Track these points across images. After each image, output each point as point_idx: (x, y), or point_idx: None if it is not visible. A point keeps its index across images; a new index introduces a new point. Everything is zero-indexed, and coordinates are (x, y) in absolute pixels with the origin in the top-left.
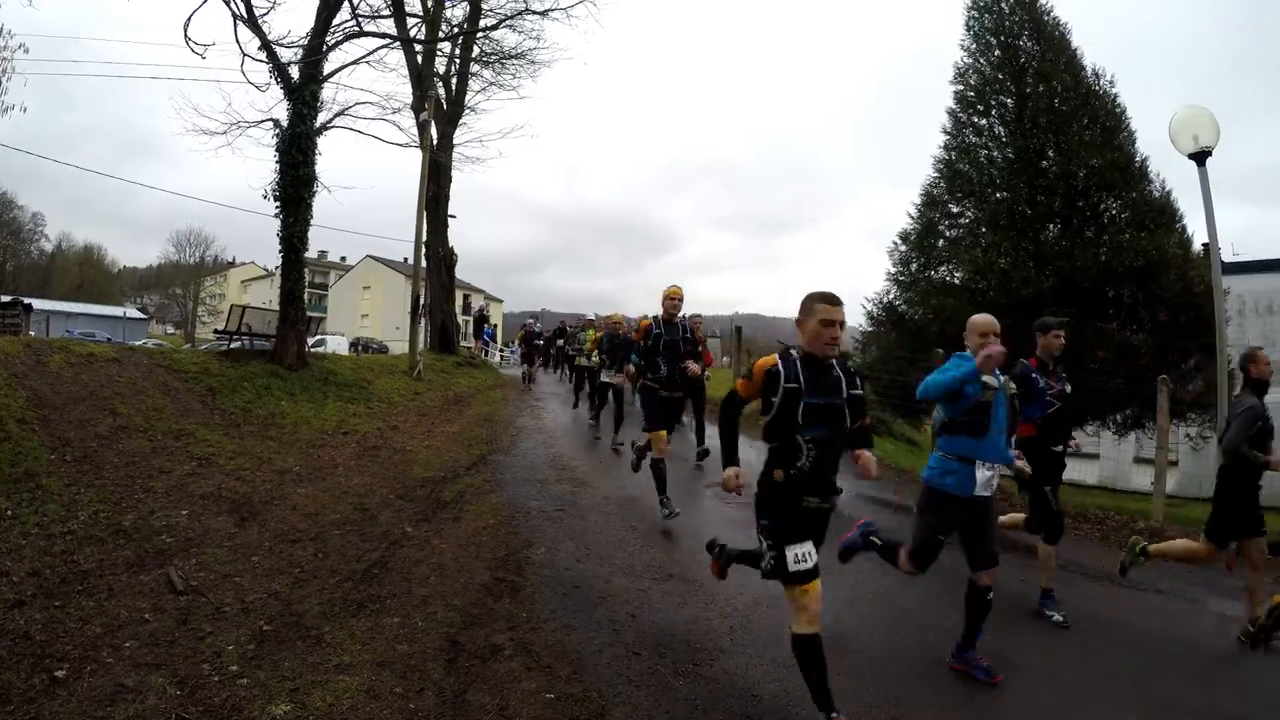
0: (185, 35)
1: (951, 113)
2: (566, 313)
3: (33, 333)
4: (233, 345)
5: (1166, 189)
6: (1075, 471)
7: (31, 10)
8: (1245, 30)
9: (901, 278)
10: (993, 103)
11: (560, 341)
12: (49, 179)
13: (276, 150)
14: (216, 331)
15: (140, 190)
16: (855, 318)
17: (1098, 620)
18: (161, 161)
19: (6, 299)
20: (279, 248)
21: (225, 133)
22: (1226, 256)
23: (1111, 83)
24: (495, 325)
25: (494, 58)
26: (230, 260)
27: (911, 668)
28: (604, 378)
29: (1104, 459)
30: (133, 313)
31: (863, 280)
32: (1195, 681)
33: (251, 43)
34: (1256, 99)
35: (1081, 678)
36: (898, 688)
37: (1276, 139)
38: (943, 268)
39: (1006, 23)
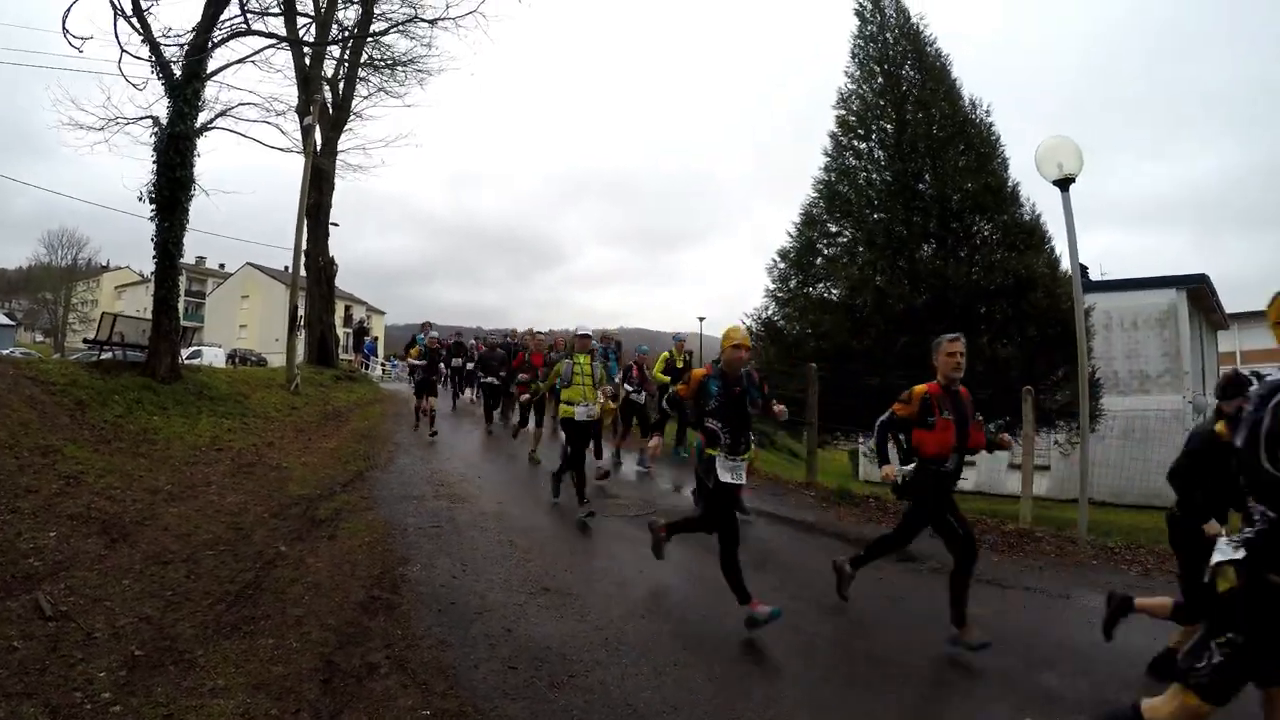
0: (64, 27)
1: (833, 136)
2: (450, 324)
3: None
4: (104, 356)
5: (1036, 212)
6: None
7: None
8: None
9: (780, 294)
10: (873, 128)
11: (459, 361)
12: None
13: (154, 150)
14: (87, 341)
15: (12, 187)
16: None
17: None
18: (36, 158)
19: None
20: (154, 253)
21: (103, 129)
22: (1094, 276)
23: (988, 112)
24: (377, 338)
25: (383, 63)
26: (104, 264)
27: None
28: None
29: (979, 466)
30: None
31: (751, 296)
32: (1063, 672)
33: (133, 38)
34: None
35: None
36: None
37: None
38: (820, 285)
39: (891, 52)
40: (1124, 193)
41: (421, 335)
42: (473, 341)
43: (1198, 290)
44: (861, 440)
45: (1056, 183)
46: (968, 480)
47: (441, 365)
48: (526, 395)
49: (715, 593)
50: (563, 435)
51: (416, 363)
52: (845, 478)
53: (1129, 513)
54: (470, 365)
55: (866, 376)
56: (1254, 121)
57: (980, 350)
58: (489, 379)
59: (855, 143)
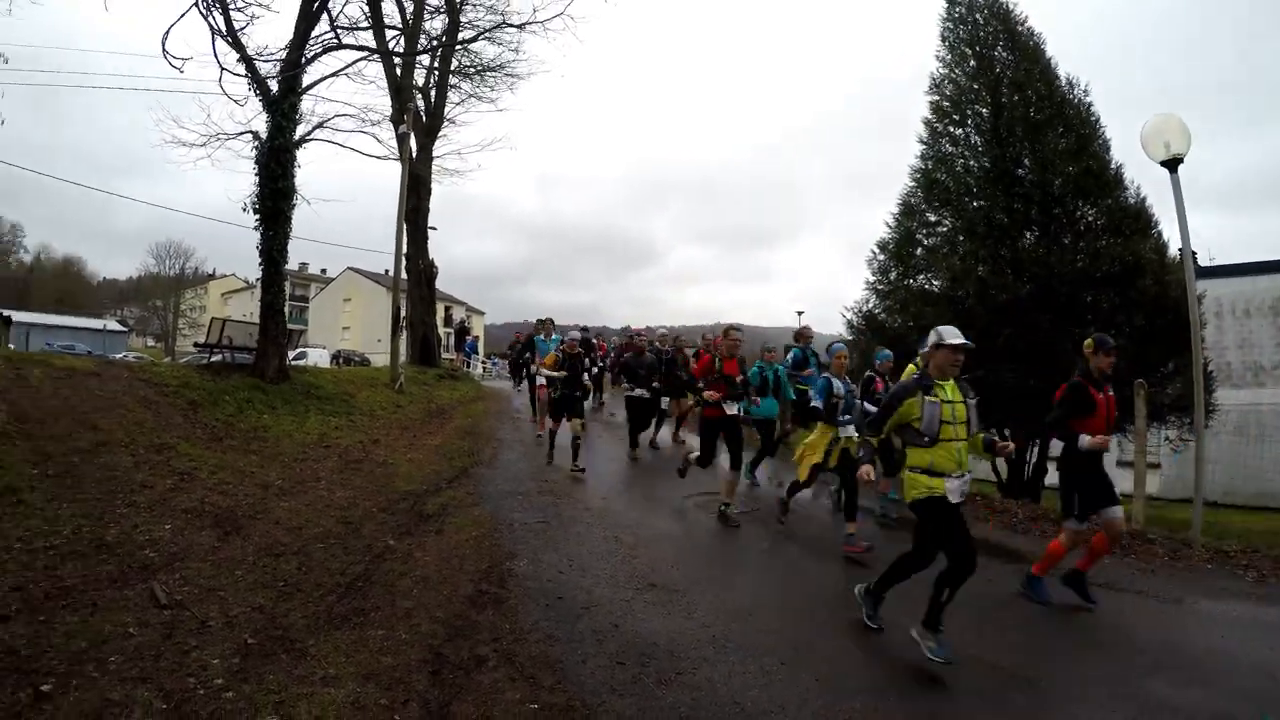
0: (164, 49)
1: (928, 123)
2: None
3: (12, 346)
4: (213, 358)
5: (1141, 195)
6: (1058, 476)
7: (11, 20)
8: (1222, 43)
9: (880, 286)
10: (968, 113)
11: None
12: (30, 192)
13: (256, 163)
14: (197, 345)
15: (122, 204)
16: (835, 327)
17: (1075, 621)
18: (144, 176)
19: None
20: (259, 261)
21: (204, 145)
22: (1203, 261)
23: (1086, 92)
24: (477, 337)
25: (473, 70)
26: (210, 273)
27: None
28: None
29: None
30: (113, 325)
31: (841, 290)
32: (1176, 680)
33: (230, 55)
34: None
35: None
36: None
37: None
38: (921, 276)
39: (981, 34)
40: (1223, 174)
41: (543, 337)
42: (594, 340)
43: None
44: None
45: (1164, 163)
46: None
47: (585, 376)
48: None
49: (825, 594)
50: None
51: (553, 373)
52: None
53: (1241, 513)
54: (598, 369)
55: (969, 370)
56: None
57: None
58: (638, 391)
59: (951, 129)
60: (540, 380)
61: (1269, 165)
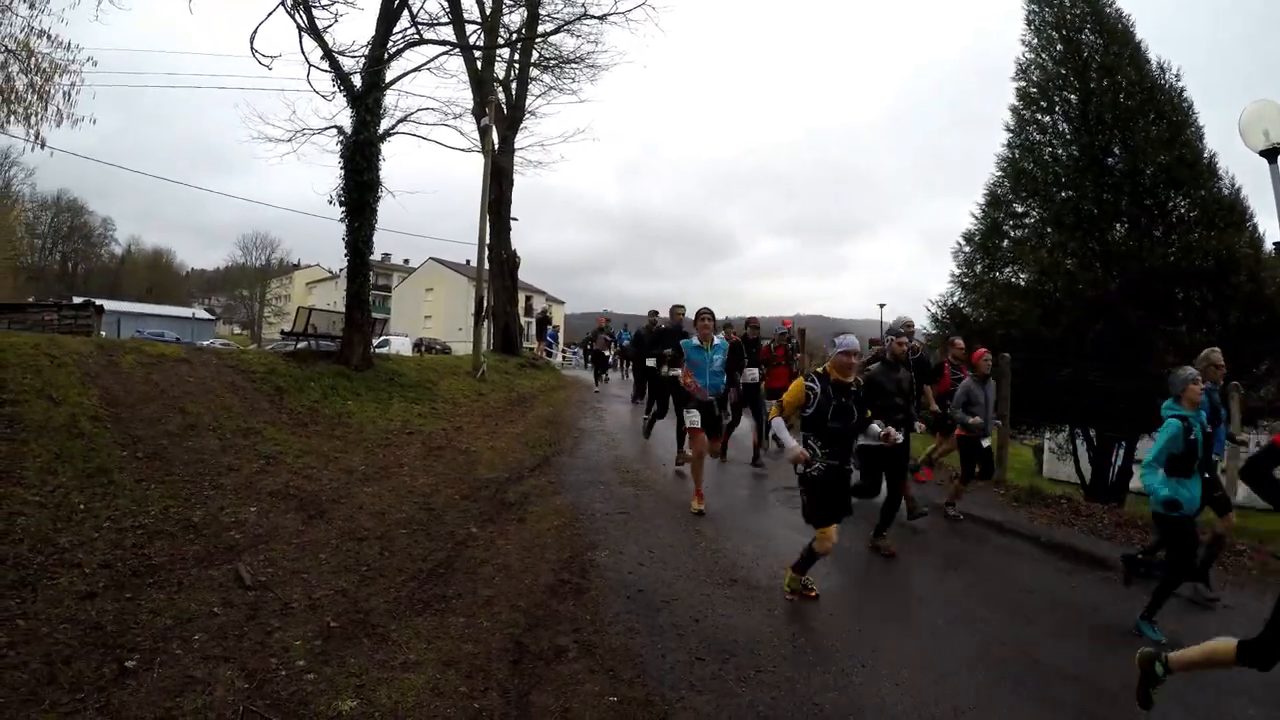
0: (252, 47)
1: (1014, 110)
2: (628, 314)
3: (104, 333)
4: (299, 346)
5: (1236, 186)
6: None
7: (100, 26)
8: None
9: (966, 279)
10: (1056, 99)
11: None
12: (123, 190)
13: (341, 157)
14: (283, 332)
15: (210, 199)
16: (919, 320)
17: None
18: (231, 172)
19: (78, 300)
20: (344, 252)
21: (290, 140)
22: None
23: (1178, 76)
24: (558, 327)
25: (553, 62)
26: (295, 263)
27: None
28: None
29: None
30: (201, 314)
31: (917, 283)
32: (1260, 700)
33: (315, 53)
34: None
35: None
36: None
37: None
38: (1008, 269)
39: (1068, 16)
40: None
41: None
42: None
43: None
44: (1047, 435)
45: (1263, 153)
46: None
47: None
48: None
49: (904, 594)
50: None
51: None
52: (1030, 474)
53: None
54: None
55: (1057, 367)
56: None
57: (1178, 339)
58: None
59: (1038, 116)
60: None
61: None
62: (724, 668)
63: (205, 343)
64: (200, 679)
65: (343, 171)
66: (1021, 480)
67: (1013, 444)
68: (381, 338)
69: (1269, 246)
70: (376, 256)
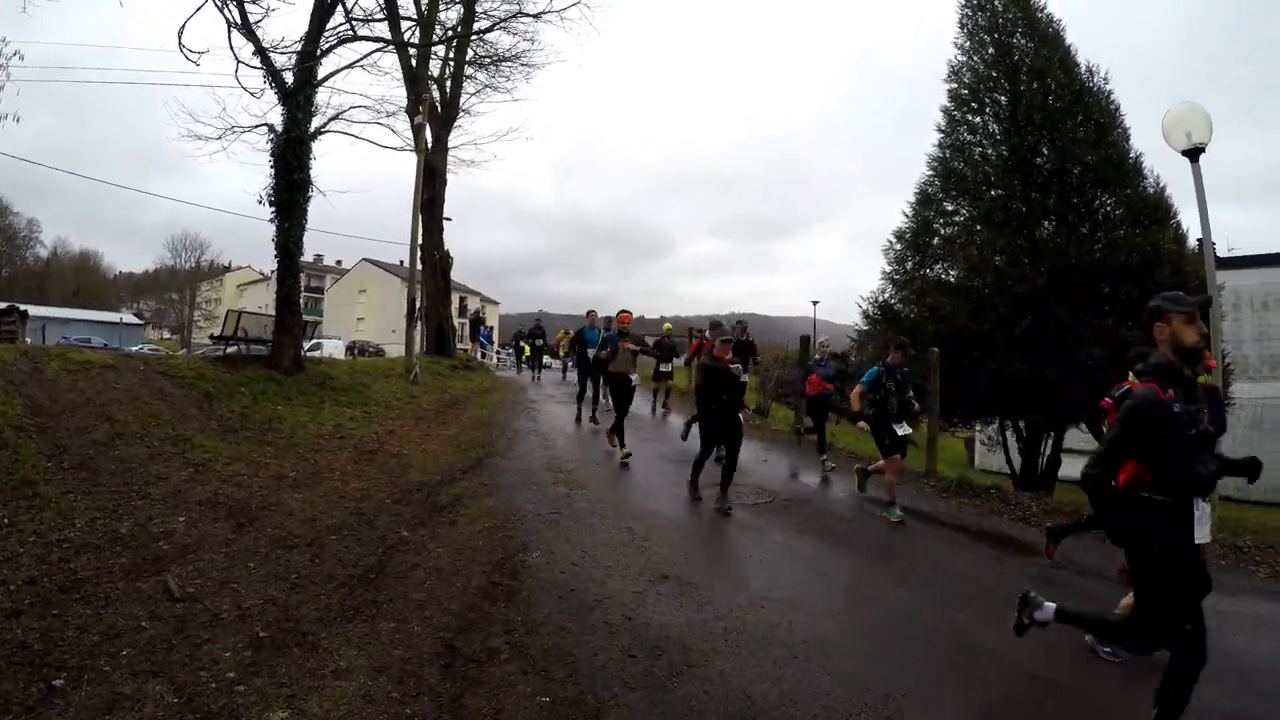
0: (179, 42)
1: (946, 110)
2: (563, 315)
3: (29, 339)
4: (229, 350)
5: (1161, 185)
6: (1072, 468)
7: (26, 18)
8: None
9: (897, 276)
10: (986, 100)
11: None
12: (55, 192)
13: (271, 155)
14: (212, 336)
15: (145, 201)
16: (852, 317)
17: None
18: (168, 174)
19: (2, 305)
20: (274, 253)
21: (220, 138)
22: (1221, 253)
23: (1105, 80)
24: (491, 327)
25: (488, 60)
26: (226, 265)
27: None
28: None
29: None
30: (129, 318)
31: (853, 280)
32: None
33: (245, 49)
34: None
35: (1078, 677)
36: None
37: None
38: (938, 265)
39: (1000, 20)
40: (1232, 168)
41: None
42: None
43: None
44: (978, 427)
45: (1185, 153)
46: None
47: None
48: None
49: (836, 585)
50: None
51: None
52: (962, 466)
53: (1256, 509)
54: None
55: (986, 361)
56: None
57: (1105, 333)
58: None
59: (969, 117)
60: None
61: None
62: (656, 664)
63: (134, 348)
64: (129, 695)
65: (273, 170)
66: (953, 472)
67: (944, 436)
68: (313, 341)
69: (1192, 243)
70: (308, 258)
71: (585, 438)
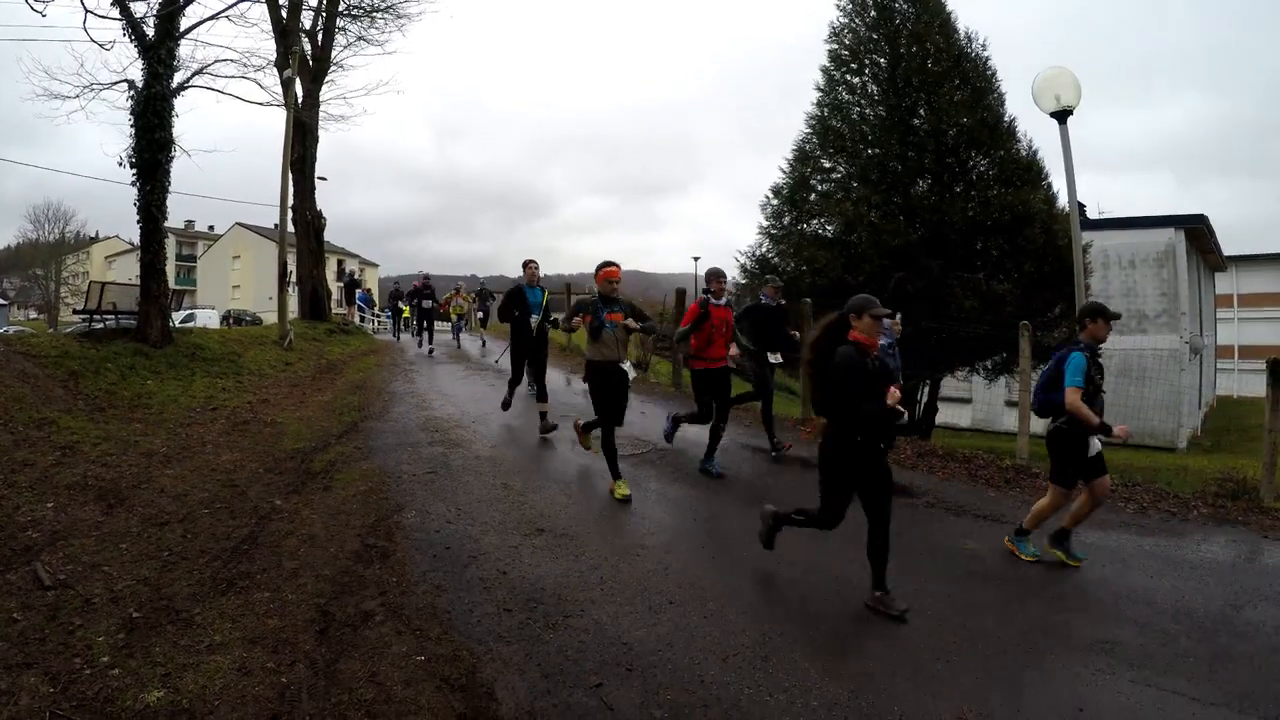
0: None
1: (825, 70)
2: (446, 275)
3: None
4: (95, 325)
5: (1034, 148)
6: (950, 415)
7: None
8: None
9: (774, 231)
10: (866, 62)
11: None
12: None
13: (131, 113)
14: (77, 312)
15: (5, 169)
16: (730, 271)
17: (962, 552)
18: (26, 140)
19: None
20: (137, 218)
21: (78, 96)
22: (1093, 214)
23: (984, 46)
24: (369, 290)
25: (360, 10)
26: (93, 236)
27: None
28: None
29: (976, 403)
30: None
31: (733, 238)
32: (1059, 607)
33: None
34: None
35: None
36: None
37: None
38: (815, 221)
39: None
40: (1105, 142)
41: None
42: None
43: (1196, 230)
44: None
45: (1054, 114)
46: (965, 417)
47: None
48: None
49: (710, 530)
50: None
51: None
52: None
53: (1125, 451)
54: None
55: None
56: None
57: (976, 286)
58: None
59: (848, 77)
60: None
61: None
62: (531, 616)
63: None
64: (4, 689)
65: (133, 130)
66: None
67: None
68: (186, 312)
69: (1061, 203)
70: (178, 223)
71: (463, 396)
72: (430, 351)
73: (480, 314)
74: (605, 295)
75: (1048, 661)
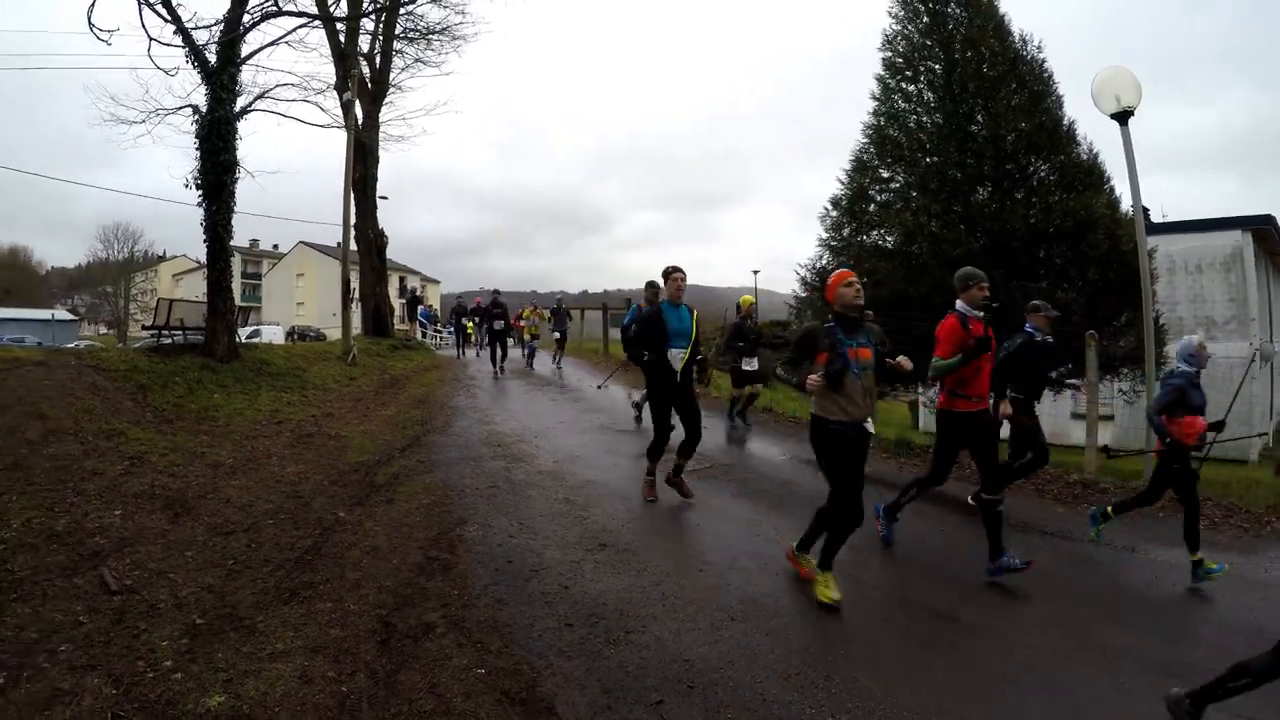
0: (89, 21)
1: (880, 79)
2: (505, 293)
3: None
4: (163, 341)
5: (1094, 151)
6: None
7: None
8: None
9: (834, 243)
10: (921, 68)
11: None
12: None
13: (196, 137)
14: (145, 328)
15: (79, 193)
16: (789, 284)
17: (1039, 571)
18: (104, 164)
19: None
20: (204, 238)
21: (144, 121)
22: (1156, 218)
23: (1039, 48)
24: (431, 306)
25: (416, 34)
26: (160, 254)
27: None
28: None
29: (1042, 415)
30: (62, 314)
31: (793, 250)
32: (1134, 630)
33: (164, 29)
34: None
35: (1016, 628)
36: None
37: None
38: (874, 232)
39: None
40: (1162, 141)
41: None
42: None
43: (1264, 231)
44: (920, 390)
45: (1114, 116)
46: None
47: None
48: None
49: (774, 546)
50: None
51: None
52: (905, 429)
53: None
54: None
55: (924, 325)
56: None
57: (1040, 296)
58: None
59: (904, 85)
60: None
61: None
62: (593, 631)
63: (69, 345)
64: (68, 690)
65: (199, 152)
66: (898, 434)
67: (887, 400)
68: (251, 328)
69: (1125, 207)
70: (243, 243)
71: (526, 411)
72: (501, 370)
73: (557, 335)
74: (845, 318)
75: (1121, 684)
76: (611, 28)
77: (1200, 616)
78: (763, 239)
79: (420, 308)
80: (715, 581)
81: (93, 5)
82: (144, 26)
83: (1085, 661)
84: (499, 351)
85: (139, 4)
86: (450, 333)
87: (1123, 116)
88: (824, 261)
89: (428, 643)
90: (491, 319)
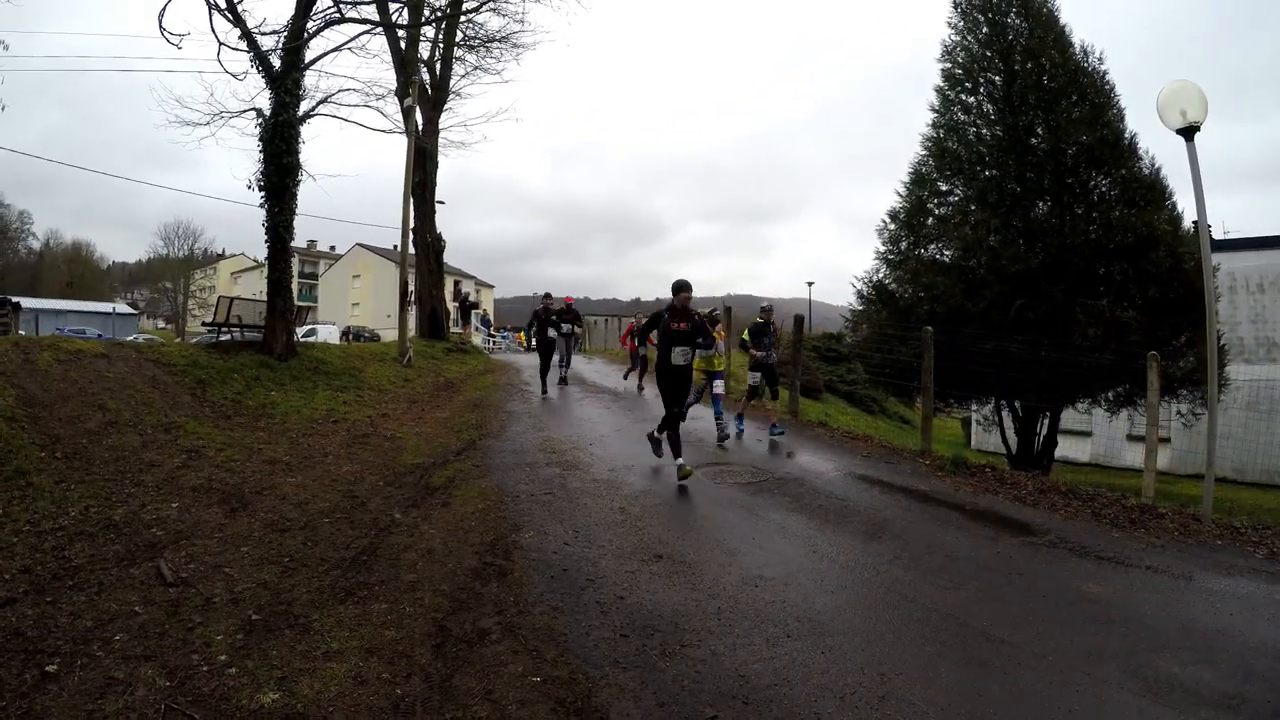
0: (160, 26)
1: (939, 90)
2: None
3: (22, 331)
4: (222, 337)
5: (1156, 165)
6: (1068, 449)
7: (9, 8)
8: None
9: (891, 256)
10: (980, 80)
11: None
12: (56, 185)
13: (260, 140)
14: (205, 324)
15: (143, 191)
16: (845, 297)
17: (1085, 596)
18: (170, 164)
19: None
20: (265, 237)
21: (208, 124)
22: (1218, 234)
23: (1100, 60)
24: (485, 310)
25: (477, 41)
26: (220, 252)
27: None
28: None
29: (1096, 436)
30: (122, 308)
31: (848, 262)
32: (1190, 661)
33: (228, 31)
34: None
35: (1069, 654)
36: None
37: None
38: (932, 246)
39: (993, 0)
40: (1219, 156)
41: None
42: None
43: None
44: (974, 407)
45: (1180, 131)
46: (1084, 451)
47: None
48: None
49: (830, 563)
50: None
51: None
52: (959, 446)
53: (1252, 490)
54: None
55: (981, 341)
56: None
57: (1099, 313)
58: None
59: (963, 96)
60: None
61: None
62: (648, 643)
63: (129, 338)
64: (122, 680)
65: (262, 155)
66: (950, 451)
67: (941, 416)
68: (308, 327)
69: (1188, 224)
70: (301, 243)
71: (581, 418)
72: (562, 380)
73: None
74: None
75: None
76: (667, 41)
77: (1257, 649)
78: (814, 251)
79: (475, 313)
80: (771, 597)
81: (164, 10)
82: (214, 31)
83: (1141, 693)
84: (560, 358)
85: (209, 9)
86: (503, 338)
87: (1188, 132)
88: (881, 275)
89: (483, 648)
90: (548, 324)
